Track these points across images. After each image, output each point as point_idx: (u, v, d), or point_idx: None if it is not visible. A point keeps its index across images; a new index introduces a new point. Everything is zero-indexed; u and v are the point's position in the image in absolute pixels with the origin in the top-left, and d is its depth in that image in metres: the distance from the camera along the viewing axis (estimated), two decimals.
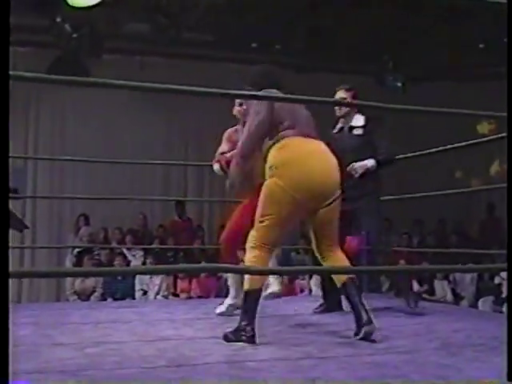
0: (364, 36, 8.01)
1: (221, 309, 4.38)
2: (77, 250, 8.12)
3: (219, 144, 4.56)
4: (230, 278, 4.42)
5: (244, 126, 3.70)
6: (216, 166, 4.41)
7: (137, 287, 7.85)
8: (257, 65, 3.85)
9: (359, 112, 4.66)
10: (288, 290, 7.40)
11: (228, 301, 4.40)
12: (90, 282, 7.47)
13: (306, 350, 3.14)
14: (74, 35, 7.31)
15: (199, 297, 7.61)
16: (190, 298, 7.55)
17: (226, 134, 4.52)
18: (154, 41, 7.93)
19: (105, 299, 7.56)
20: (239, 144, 3.58)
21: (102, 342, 3.10)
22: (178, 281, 7.95)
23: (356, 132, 4.68)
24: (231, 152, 4.25)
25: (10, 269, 2.16)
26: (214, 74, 8.49)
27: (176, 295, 7.92)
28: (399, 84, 9.42)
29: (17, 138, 9.12)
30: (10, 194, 5.77)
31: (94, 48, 7.59)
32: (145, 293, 7.88)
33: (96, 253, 8.17)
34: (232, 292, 4.39)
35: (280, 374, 2.57)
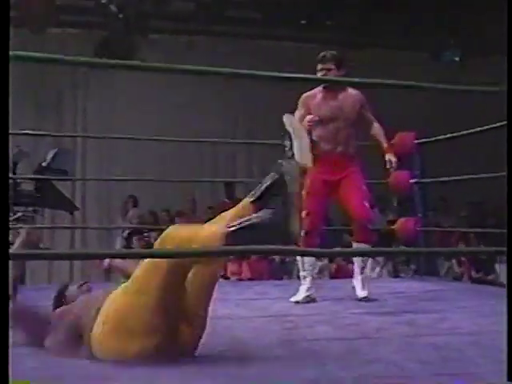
0: (419, 10, 7.74)
1: (295, 298, 4.19)
2: (126, 231, 8.14)
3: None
4: (308, 267, 4.25)
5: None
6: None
7: None
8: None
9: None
10: (344, 271, 7.29)
11: (303, 292, 4.17)
12: (132, 264, 7.49)
13: (363, 329, 3.04)
14: (120, 15, 7.29)
15: (250, 279, 7.53)
16: (241, 280, 7.47)
17: (301, 99, 4.32)
18: (199, 19, 7.85)
19: None
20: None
21: None
22: (228, 263, 7.89)
23: None
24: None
25: (61, 250, 2.12)
26: (262, 53, 8.39)
27: (226, 278, 7.87)
28: (457, 58, 9.14)
29: (65, 120, 9.24)
30: (61, 176, 5.79)
31: (140, 28, 7.57)
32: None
33: (146, 234, 8.18)
34: (308, 282, 4.21)
35: (335, 355, 2.47)
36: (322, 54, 4.17)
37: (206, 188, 9.46)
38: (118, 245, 8.17)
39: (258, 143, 7.68)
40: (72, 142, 9.13)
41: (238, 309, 3.78)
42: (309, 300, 4.10)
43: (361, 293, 4.15)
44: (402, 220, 5.23)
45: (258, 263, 7.80)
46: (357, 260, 4.31)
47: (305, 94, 4.29)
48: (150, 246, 7.92)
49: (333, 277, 7.42)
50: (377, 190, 5.32)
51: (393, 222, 5.73)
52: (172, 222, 8.52)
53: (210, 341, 2.81)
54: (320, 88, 4.25)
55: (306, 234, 4.06)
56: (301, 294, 4.13)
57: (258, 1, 7.93)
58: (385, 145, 4.34)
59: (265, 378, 2.16)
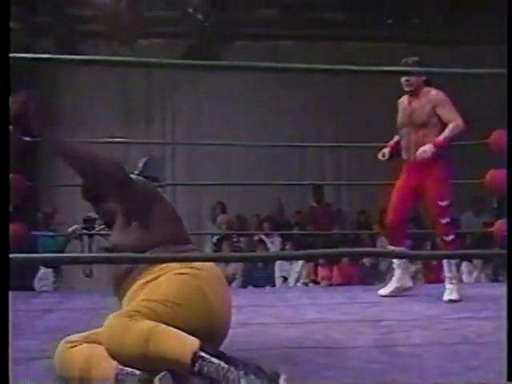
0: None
1: (386, 290, 4.38)
2: (216, 237, 8.23)
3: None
4: (396, 261, 4.44)
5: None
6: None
7: (277, 274, 7.82)
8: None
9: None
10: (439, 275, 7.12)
11: (393, 283, 4.40)
12: (230, 269, 7.53)
13: (463, 334, 2.92)
14: (206, 24, 7.40)
15: (340, 284, 7.44)
16: (331, 285, 7.39)
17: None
18: (284, 24, 7.85)
19: (245, 286, 7.60)
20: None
21: (247, 323, 3.07)
22: (319, 268, 7.82)
23: None
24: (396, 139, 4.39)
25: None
26: (348, 54, 8.31)
27: (316, 282, 7.81)
28: None
29: (155, 128, 9.46)
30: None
31: (225, 35, 7.66)
32: (285, 280, 7.85)
33: (235, 240, 8.24)
34: (397, 274, 4.40)
35: (436, 361, 2.38)
36: (403, 60, 4.16)
37: (293, 192, 9.43)
38: (208, 250, 8.26)
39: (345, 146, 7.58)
40: (161, 148, 9.32)
41: (330, 313, 3.74)
42: (398, 291, 4.32)
43: (447, 296, 4.10)
44: (500, 222, 5.01)
45: (349, 268, 7.70)
46: (444, 264, 4.27)
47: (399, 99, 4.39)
48: (240, 251, 8.02)
49: (427, 281, 7.23)
50: (473, 191, 5.14)
51: (490, 225, 5.51)
52: (261, 226, 8.56)
53: (303, 342, 2.79)
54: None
55: (389, 235, 4.35)
56: (390, 287, 4.37)
57: (342, 2, 7.85)
58: (438, 138, 4.08)
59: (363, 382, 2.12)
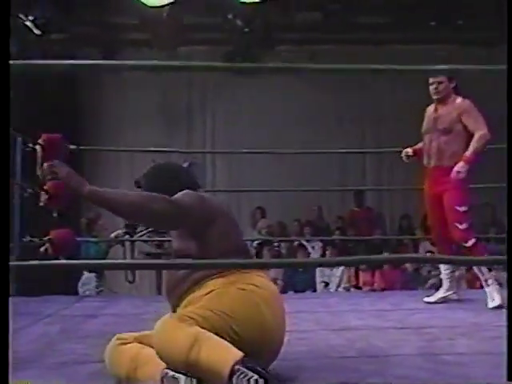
0: None
1: (432, 298, 4.38)
2: (256, 242, 8.24)
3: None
4: (444, 271, 4.43)
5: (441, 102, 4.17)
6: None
7: (318, 279, 7.79)
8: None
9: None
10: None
11: (440, 293, 4.40)
12: (271, 274, 7.52)
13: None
14: (246, 29, 7.42)
15: (383, 289, 7.36)
16: (373, 290, 7.33)
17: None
18: (325, 28, 7.82)
19: (286, 291, 7.58)
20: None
21: (288, 330, 3.04)
22: (360, 273, 7.77)
23: None
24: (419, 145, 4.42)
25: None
26: (391, 58, 8.22)
27: (358, 287, 7.75)
28: None
29: (195, 134, 9.54)
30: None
31: (265, 40, 7.66)
32: (326, 285, 7.81)
33: (276, 245, 8.25)
34: (446, 284, 4.41)
35: (483, 370, 2.33)
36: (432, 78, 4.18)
37: (334, 197, 9.38)
38: None
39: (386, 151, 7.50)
40: (202, 154, 9.41)
41: (372, 319, 3.71)
42: (443, 301, 4.31)
43: (490, 303, 4.04)
44: None
45: (391, 273, 7.62)
46: (478, 270, 4.24)
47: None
48: (280, 256, 8.03)
49: (471, 286, 7.10)
50: None
51: None
52: (301, 231, 8.55)
53: (346, 351, 2.77)
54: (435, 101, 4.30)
55: (433, 244, 4.55)
56: (437, 295, 4.37)
57: (384, 5, 7.78)
58: (467, 153, 4.03)
59: None
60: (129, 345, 2.27)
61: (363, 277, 7.71)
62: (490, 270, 4.14)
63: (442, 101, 4.20)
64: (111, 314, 4.14)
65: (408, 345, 2.86)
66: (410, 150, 4.47)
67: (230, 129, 9.49)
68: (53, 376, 2.41)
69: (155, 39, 7.65)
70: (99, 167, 9.00)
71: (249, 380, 1.82)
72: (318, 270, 7.81)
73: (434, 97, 4.23)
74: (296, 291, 7.56)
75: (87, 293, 6.26)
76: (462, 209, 4.08)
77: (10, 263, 2.48)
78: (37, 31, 6.55)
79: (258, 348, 2.13)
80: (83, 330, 3.53)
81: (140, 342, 2.26)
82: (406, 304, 4.32)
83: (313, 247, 8.11)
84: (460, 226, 4.08)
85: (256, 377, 1.82)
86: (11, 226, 4.81)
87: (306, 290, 7.67)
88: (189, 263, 2.24)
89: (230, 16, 7.40)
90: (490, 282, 4.10)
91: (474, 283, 7.13)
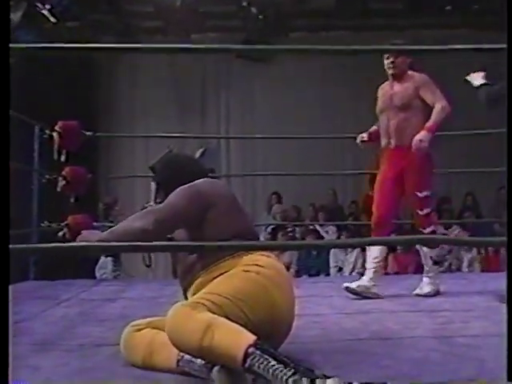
0: None
1: (351, 285, 4.03)
2: (270, 227, 8.28)
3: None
4: (373, 259, 4.10)
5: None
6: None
7: (331, 264, 7.83)
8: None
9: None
10: (495, 263, 7.04)
11: (363, 282, 4.04)
12: (284, 258, 7.57)
13: None
14: (260, 17, 7.44)
15: (396, 273, 7.39)
16: (387, 274, 7.34)
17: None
18: (338, 15, 7.80)
19: (300, 276, 7.63)
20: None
21: (302, 314, 3.07)
22: None
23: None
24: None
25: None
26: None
27: None
28: None
29: (210, 120, 9.56)
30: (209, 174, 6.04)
31: (279, 27, 7.67)
32: (340, 269, 7.83)
33: (290, 229, 8.28)
34: (370, 274, 4.08)
35: (496, 352, 2.35)
36: (392, 42, 3.91)
37: (348, 183, 9.40)
38: (262, 240, 8.33)
39: None
40: (216, 140, 9.43)
41: (386, 303, 3.73)
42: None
43: (417, 290, 3.96)
44: None
45: (404, 256, 7.64)
46: (424, 261, 4.10)
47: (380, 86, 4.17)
48: (294, 240, 8.07)
49: (483, 270, 7.13)
50: None
51: None
52: (316, 216, 8.58)
53: (357, 332, 2.80)
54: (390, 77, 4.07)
55: (375, 226, 4.02)
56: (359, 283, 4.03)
57: None
58: (428, 123, 3.82)
59: (421, 372, 2.12)
60: (143, 330, 2.31)
61: None
62: (435, 263, 4.07)
63: (398, 76, 3.99)
64: (128, 298, 4.19)
65: (421, 327, 2.89)
66: (364, 135, 4.27)
67: (243, 116, 9.52)
68: (71, 359, 2.45)
69: (170, 26, 7.68)
70: (114, 153, 9.09)
71: (263, 362, 1.84)
72: (331, 254, 7.84)
73: (390, 72, 4.01)
74: (310, 275, 7.61)
75: (104, 276, 6.35)
76: (423, 194, 3.92)
77: (29, 246, 2.55)
78: (53, 19, 6.61)
79: (269, 329, 2.15)
80: (101, 313, 3.58)
81: (154, 327, 2.30)
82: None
83: (327, 232, 8.13)
84: (420, 212, 3.95)
85: (270, 359, 1.83)
86: (30, 211, 4.90)
87: (319, 274, 7.72)
88: (201, 244, 2.26)
89: (244, 3, 7.43)
90: (430, 274, 4.02)
91: (489, 266, 7.18)
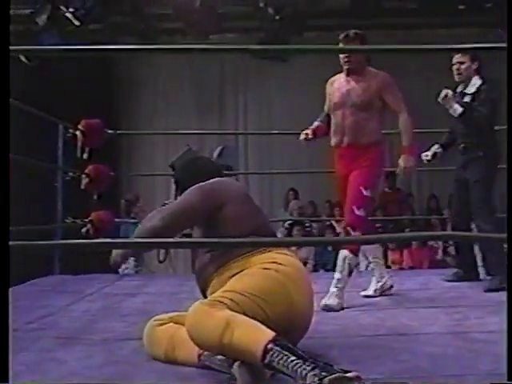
0: None
1: (367, 293, 3.95)
2: (287, 222, 8.35)
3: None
4: (372, 259, 4.13)
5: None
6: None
7: None
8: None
9: (480, 76, 4.09)
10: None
11: (374, 285, 3.98)
12: (301, 253, 7.63)
13: None
14: (277, 17, 7.49)
15: (411, 268, 7.42)
16: (402, 269, 7.38)
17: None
18: (353, 14, 7.80)
19: (316, 270, 7.67)
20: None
21: (318, 310, 3.13)
22: (389, 252, 7.81)
23: (465, 99, 4.16)
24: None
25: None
26: (419, 43, 8.19)
27: (387, 266, 7.81)
28: None
29: (228, 120, 9.64)
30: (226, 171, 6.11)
31: (295, 27, 7.70)
32: (356, 264, 7.85)
33: (307, 225, 8.34)
34: (377, 273, 4.03)
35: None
36: (345, 33, 3.81)
37: None
38: (280, 236, 8.39)
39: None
40: (234, 138, 9.49)
41: (400, 298, 3.76)
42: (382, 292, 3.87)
43: (324, 300, 3.51)
44: None
45: (419, 251, 7.68)
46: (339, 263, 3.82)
47: (329, 80, 3.97)
48: (311, 236, 8.13)
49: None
50: None
51: None
52: (332, 212, 8.62)
53: (372, 328, 2.84)
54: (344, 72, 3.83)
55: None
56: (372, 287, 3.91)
57: None
58: (404, 143, 3.70)
59: (437, 366, 2.16)
60: (166, 325, 2.37)
61: (392, 256, 7.76)
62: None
63: (355, 72, 3.75)
64: (150, 293, 4.24)
65: (437, 323, 2.91)
66: (309, 132, 3.93)
67: (260, 115, 9.58)
68: (95, 352, 2.50)
69: (189, 28, 7.76)
70: (135, 151, 9.23)
71: (282, 358, 1.85)
72: None
73: (346, 66, 3.77)
74: (326, 270, 7.65)
75: (126, 272, 6.45)
76: (367, 193, 3.61)
77: (55, 242, 2.63)
78: (76, 22, 6.71)
79: (288, 325, 2.19)
80: (124, 307, 3.63)
81: (176, 322, 2.35)
82: (434, 283, 4.34)
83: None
84: (356, 211, 3.57)
85: (289, 354, 1.85)
86: (55, 208, 5.01)
87: (335, 268, 7.76)
88: (219, 242, 2.31)
89: (261, 4, 7.47)
90: (339, 285, 3.68)
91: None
